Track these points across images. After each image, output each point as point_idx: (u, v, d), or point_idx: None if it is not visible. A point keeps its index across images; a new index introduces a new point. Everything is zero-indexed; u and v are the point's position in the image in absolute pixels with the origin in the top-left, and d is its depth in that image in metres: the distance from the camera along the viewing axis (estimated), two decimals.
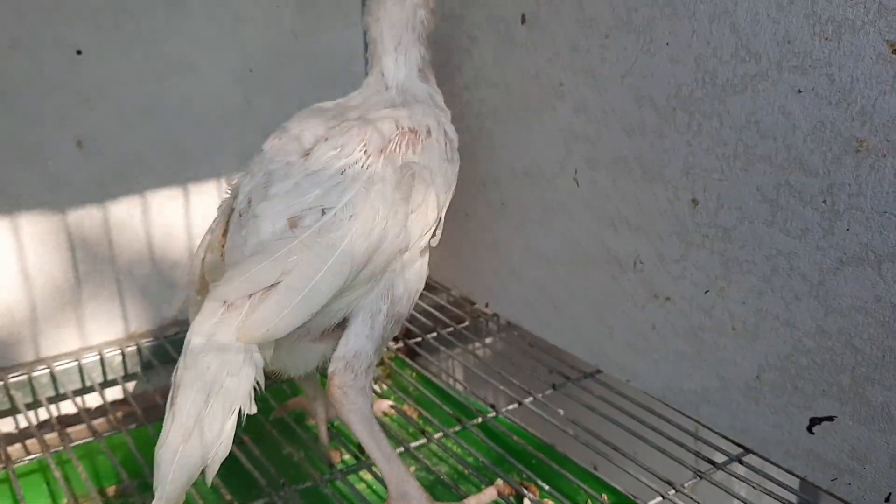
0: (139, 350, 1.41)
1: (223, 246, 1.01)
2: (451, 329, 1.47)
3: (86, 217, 1.35)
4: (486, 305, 1.51)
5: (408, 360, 1.42)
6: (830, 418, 0.95)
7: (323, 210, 0.93)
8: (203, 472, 0.82)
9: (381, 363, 1.44)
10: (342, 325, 1.01)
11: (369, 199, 0.96)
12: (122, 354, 1.40)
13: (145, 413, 1.26)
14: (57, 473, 1.10)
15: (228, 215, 1.04)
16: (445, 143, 1.11)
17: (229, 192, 1.10)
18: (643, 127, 1.10)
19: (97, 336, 1.41)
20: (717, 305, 1.06)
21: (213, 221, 1.08)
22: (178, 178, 1.42)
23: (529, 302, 1.39)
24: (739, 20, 0.95)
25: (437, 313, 1.50)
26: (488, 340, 1.41)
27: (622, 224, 1.17)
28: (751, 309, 1.01)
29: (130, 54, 1.33)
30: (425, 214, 1.03)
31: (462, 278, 1.55)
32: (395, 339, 1.47)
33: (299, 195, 0.96)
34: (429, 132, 1.08)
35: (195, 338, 0.87)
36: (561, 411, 1.18)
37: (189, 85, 1.40)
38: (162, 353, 1.42)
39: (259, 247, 0.93)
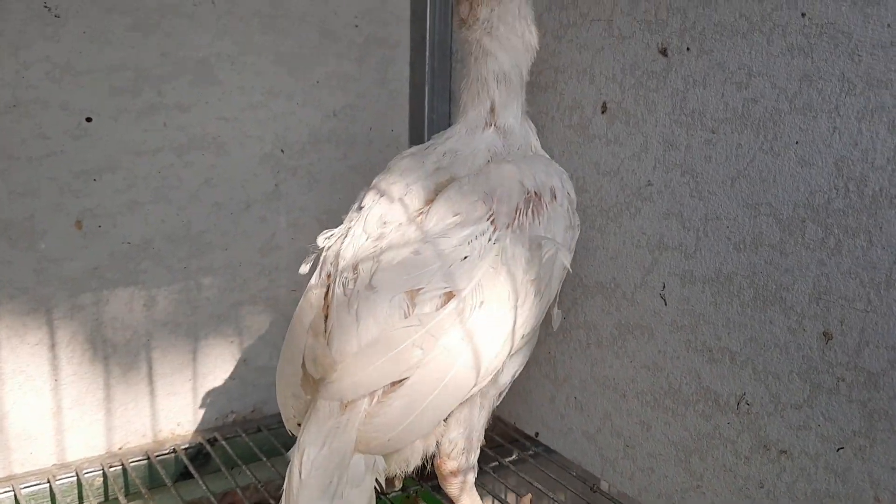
0: (125, 471, 1.18)
1: (326, 324, 0.87)
2: (495, 463, 1.24)
3: (77, 310, 1.14)
4: (537, 435, 1.28)
5: (438, 496, 1.18)
6: None
7: (448, 292, 0.83)
8: None
9: (409, 499, 1.20)
10: None
11: (499, 281, 0.85)
12: (104, 476, 1.17)
13: None
14: None
15: (327, 286, 0.90)
16: (568, 207, 0.97)
17: (316, 249, 0.97)
18: (758, 239, 0.91)
19: (76, 452, 1.18)
20: (855, 468, 0.84)
21: (309, 293, 0.91)
22: (189, 268, 1.23)
23: (592, 437, 1.17)
24: None
25: None
26: (540, 483, 1.18)
27: (723, 354, 0.96)
28: None
29: (147, 124, 1.15)
30: (548, 296, 0.92)
31: (509, 400, 1.32)
32: (425, 475, 1.24)
33: (419, 267, 0.84)
34: (553, 195, 0.94)
35: (311, 448, 0.79)
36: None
37: (211, 162, 1.22)
38: (153, 476, 1.19)
39: (376, 330, 0.81)
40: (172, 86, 1.16)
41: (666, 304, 1.03)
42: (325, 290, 0.91)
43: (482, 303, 0.83)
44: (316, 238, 1.32)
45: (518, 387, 1.30)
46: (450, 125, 1.39)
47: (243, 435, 1.27)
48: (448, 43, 1.39)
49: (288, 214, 1.30)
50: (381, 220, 0.93)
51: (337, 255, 0.93)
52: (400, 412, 0.78)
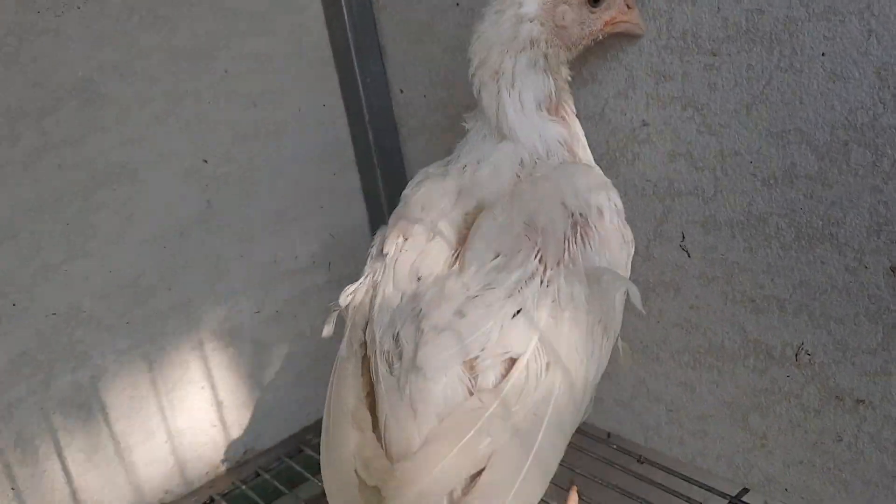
0: None
1: (373, 418, 0.73)
2: None
3: (12, 406, 0.97)
4: None
5: None
6: None
7: (509, 357, 0.69)
8: None
9: None
10: None
11: (563, 333, 0.70)
12: None
13: None
14: None
15: (361, 356, 0.77)
16: (618, 223, 0.80)
17: (338, 307, 0.82)
18: (791, 172, 0.78)
19: None
20: None
21: (344, 370, 0.78)
22: (132, 322, 1.05)
23: (626, 404, 1.06)
24: None
25: None
26: (582, 465, 1.07)
27: (769, 303, 0.85)
28: None
29: (38, 172, 0.95)
30: (616, 329, 0.78)
31: None
32: None
33: (469, 329, 0.69)
34: (600, 213, 0.77)
35: None
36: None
37: (126, 196, 1.02)
38: None
39: (435, 420, 0.68)
40: (56, 119, 0.95)
41: (689, 256, 0.91)
42: (360, 361, 0.78)
43: (548, 365, 0.69)
44: (268, 250, 1.17)
45: None
46: (387, 84, 1.23)
47: (242, 486, 1.13)
48: None
49: (231, 231, 1.12)
50: (414, 273, 0.78)
51: (368, 320, 0.78)
52: None
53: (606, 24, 0.84)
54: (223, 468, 1.17)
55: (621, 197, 0.84)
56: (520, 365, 0.68)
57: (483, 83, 0.83)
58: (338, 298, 0.84)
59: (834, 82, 0.73)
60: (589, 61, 0.93)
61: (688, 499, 0.97)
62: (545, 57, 0.82)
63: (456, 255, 0.78)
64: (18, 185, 0.94)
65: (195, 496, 1.13)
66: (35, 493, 1.00)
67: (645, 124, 0.90)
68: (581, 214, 0.76)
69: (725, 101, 0.81)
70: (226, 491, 1.12)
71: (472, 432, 0.66)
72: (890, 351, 0.77)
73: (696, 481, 0.99)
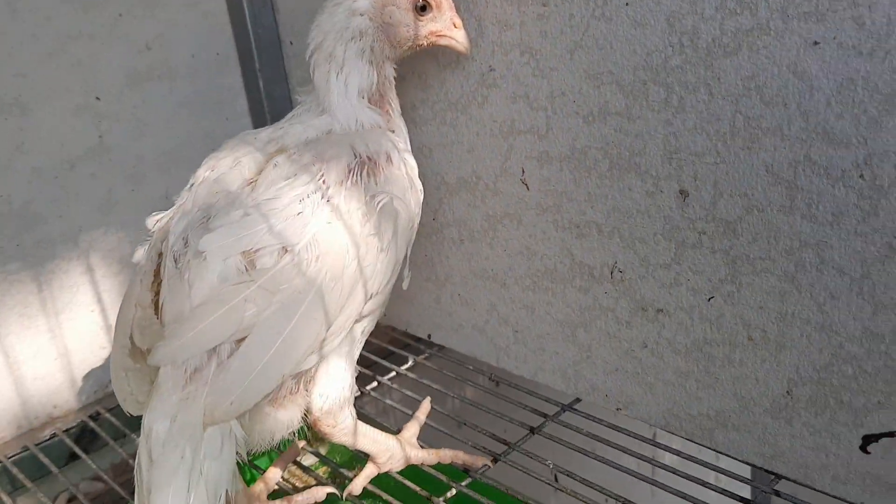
0: (4, 468, 1.10)
1: (156, 299, 0.83)
2: (392, 374, 1.23)
3: None
4: (429, 337, 1.28)
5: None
6: (892, 433, 0.79)
7: (284, 248, 0.78)
8: None
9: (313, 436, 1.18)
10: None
11: (336, 235, 0.81)
12: None
13: None
14: None
15: (157, 263, 0.85)
16: (406, 171, 0.92)
17: (150, 236, 0.91)
18: (605, 109, 0.90)
19: None
20: (727, 314, 0.87)
21: (138, 272, 0.88)
22: (23, 244, 1.12)
23: (481, 328, 1.17)
24: None
25: (373, 356, 1.26)
26: (437, 381, 1.19)
27: (589, 228, 0.97)
28: (771, 314, 0.84)
29: None
30: (395, 252, 0.89)
31: (396, 307, 1.31)
32: None
33: (248, 227, 0.80)
34: (388, 159, 0.90)
35: (158, 423, 0.74)
36: (550, 463, 0.98)
37: (17, 125, 1.09)
38: (38, 466, 1.11)
39: (208, 292, 0.77)
40: None
41: (528, 189, 1.02)
42: (154, 266, 0.86)
43: (318, 256, 0.79)
44: (159, 186, 1.24)
45: (403, 292, 1.28)
46: (278, 37, 1.32)
47: None
48: None
49: (122, 166, 1.20)
50: (211, 192, 0.87)
51: (167, 232, 0.87)
52: (238, 372, 0.74)
53: (431, 33, 0.97)
54: (111, 388, 1.24)
55: (474, 136, 0.97)
56: (292, 252, 0.78)
57: (317, 65, 0.95)
58: None
59: (636, 29, 0.85)
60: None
61: (533, 409, 1.09)
62: (371, 49, 0.95)
63: (251, 181, 0.87)
64: None
65: (84, 411, 1.20)
66: None
67: (492, 69, 1.01)
68: (369, 158, 0.88)
69: (554, 47, 0.93)
70: (112, 406, 1.20)
71: (238, 299, 0.75)
72: (680, 264, 0.89)
73: (537, 394, 1.11)
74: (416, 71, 1.09)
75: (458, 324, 1.21)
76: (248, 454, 0.84)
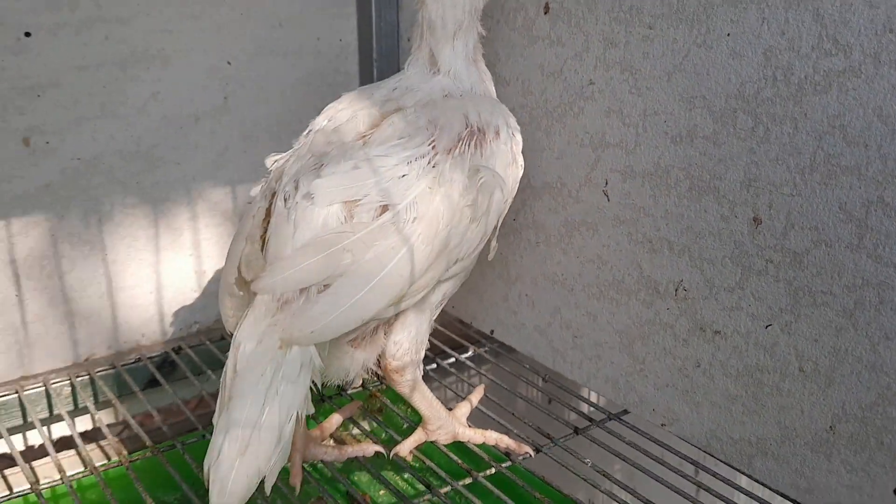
0: (92, 381, 1.22)
1: (264, 235, 0.91)
2: (451, 359, 1.29)
3: (32, 227, 1.15)
4: (492, 332, 1.33)
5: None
6: None
7: (384, 206, 0.85)
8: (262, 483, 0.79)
9: (371, 396, 1.25)
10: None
11: (434, 201, 0.88)
12: (72, 385, 1.20)
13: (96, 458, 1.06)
14: None
15: (270, 200, 0.93)
16: (512, 147, 0.99)
17: (267, 175, 0.99)
18: (693, 132, 0.95)
19: (43, 364, 1.21)
20: (781, 342, 0.90)
21: (253, 207, 0.96)
22: (143, 183, 1.23)
23: (543, 330, 1.22)
24: (825, 6, 0.80)
25: (434, 340, 1.33)
26: (493, 373, 1.24)
27: (661, 244, 1.01)
28: (825, 348, 0.86)
29: (89, 38, 1.14)
30: (485, 224, 0.95)
31: (464, 301, 1.38)
32: None
33: (357, 180, 0.87)
34: (497, 133, 0.96)
35: (247, 342, 0.82)
36: (588, 461, 1.01)
37: (157, 75, 1.21)
38: (120, 385, 1.22)
39: (310, 235, 0.85)
40: None
41: (609, 200, 1.07)
42: (267, 204, 0.94)
43: (415, 218, 0.85)
44: (268, 151, 1.34)
45: (473, 287, 1.34)
46: (398, 33, 1.41)
47: (208, 343, 1.31)
48: None
49: (240, 127, 1.31)
50: (327, 141, 0.95)
51: (281, 173, 0.95)
52: (323, 309, 0.81)
53: None
54: (194, 328, 1.35)
55: (565, 144, 1.04)
56: (392, 210, 0.85)
57: (446, 38, 1.01)
58: None
59: (733, 59, 0.89)
60: (557, 25, 1.10)
61: (580, 413, 1.13)
62: (480, 11, 1.03)
63: (364, 135, 0.94)
64: (69, 45, 1.13)
65: (168, 344, 1.30)
66: (36, 304, 1.18)
67: (591, 83, 1.07)
68: (479, 129, 0.94)
69: (654, 68, 0.98)
70: (194, 345, 1.30)
71: (337, 247, 0.82)
72: (744, 289, 0.93)
73: (587, 399, 1.15)
74: (520, 77, 1.16)
75: (520, 323, 1.26)
76: (322, 386, 0.92)
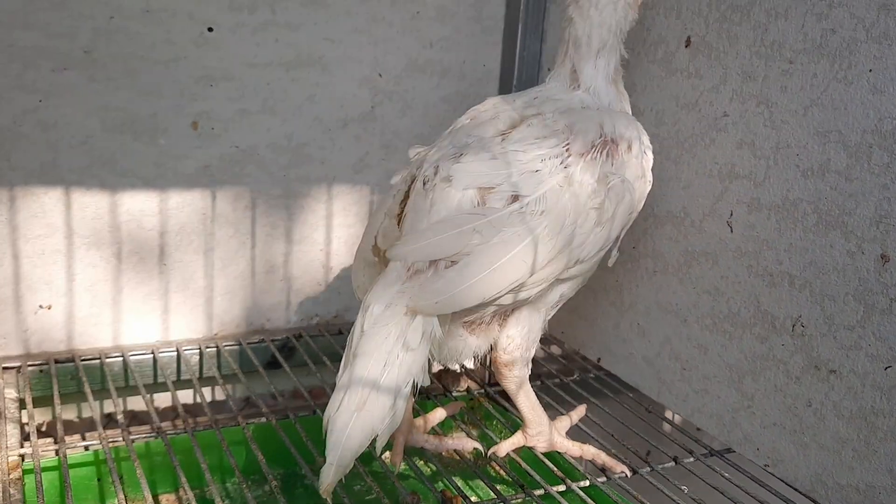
0: (219, 353, 1.31)
1: (401, 213, 0.97)
2: (557, 380, 1.31)
3: (187, 203, 1.27)
4: (599, 361, 1.34)
5: (505, 403, 1.26)
6: None
7: (515, 195, 0.89)
8: (373, 442, 0.82)
9: (474, 400, 1.29)
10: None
11: (563, 199, 0.92)
12: (200, 354, 1.30)
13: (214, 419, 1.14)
14: (112, 467, 0.99)
15: (410, 183, 0.99)
16: (643, 162, 1.02)
17: (412, 161, 1.05)
18: (825, 166, 0.94)
19: (178, 331, 1.32)
20: None
21: (393, 189, 1.02)
22: (289, 176, 1.34)
23: (651, 361, 1.22)
24: None
25: (541, 361, 1.35)
26: (598, 399, 1.24)
27: (782, 278, 1.00)
28: None
29: (262, 39, 1.26)
30: (609, 230, 0.97)
31: (573, 327, 1.39)
32: (492, 384, 1.32)
33: (494, 168, 0.92)
34: (629, 147, 1.00)
35: (376, 305, 0.86)
36: (685, 488, 1.00)
37: (315, 80, 1.32)
38: (244, 361, 1.31)
39: (445, 214, 0.90)
40: (285, 5, 1.27)
41: (732, 231, 1.07)
42: (406, 186, 1.00)
43: (543, 212, 0.89)
44: (405, 162, 1.42)
45: (583, 314, 1.36)
46: (539, 64, 1.47)
47: (326, 335, 1.38)
48: None
49: (381, 136, 1.40)
50: (468, 135, 1.01)
51: (423, 161, 1.01)
52: (450, 282, 0.85)
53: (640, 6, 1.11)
54: (315, 320, 1.43)
55: (693, 174, 1.07)
56: (522, 201, 0.89)
57: (589, 55, 1.06)
58: None
59: (874, 94, 0.89)
60: (696, 58, 1.12)
61: (682, 446, 1.12)
62: (625, 36, 1.08)
63: (503, 133, 0.98)
64: (244, 44, 1.25)
65: (290, 331, 1.39)
66: (179, 276, 1.29)
67: (725, 115, 1.08)
68: (612, 140, 0.97)
69: (790, 102, 0.99)
70: (314, 335, 1.38)
71: (468, 226, 0.87)
72: (864, 328, 0.90)
73: (689, 434, 1.14)
74: (654, 108, 1.19)
75: (629, 352, 1.27)
76: (435, 363, 0.97)
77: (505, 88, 1.48)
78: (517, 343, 0.99)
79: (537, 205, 0.89)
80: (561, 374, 1.32)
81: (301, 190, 1.35)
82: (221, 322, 1.35)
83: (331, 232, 1.40)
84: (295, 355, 1.35)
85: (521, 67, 1.46)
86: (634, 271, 1.25)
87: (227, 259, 1.32)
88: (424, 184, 0.94)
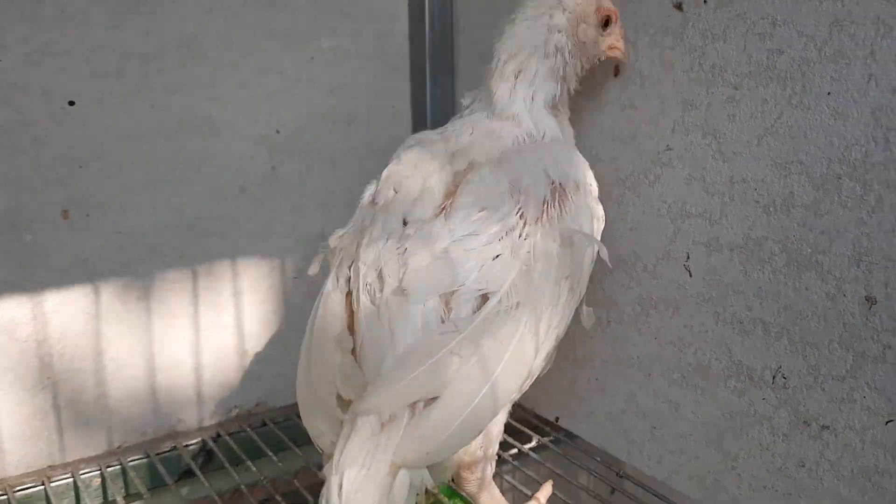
0: (124, 471, 1.12)
1: (350, 334, 0.81)
2: (513, 451, 1.18)
3: (67, 304, 1.09)
4: (557, 420, 1.22)
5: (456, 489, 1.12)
6: None
7: (483, 294, 0.77)
8: None
9: (427, 492, 1.14)
10: None
11: (534, 281, 0.79)
12: (102, 476, 1.11)
13: None
14: None
15: (347, 291, 0.83)
16: (590, 201, 0.90)
17: (325, 249, 0.90)
18: (789, 201, 0.85)
19: (74, 451, 1.13)
20: None
21: (326, 299, 0.85)
22: (185, 257, 1.16)
23: (616, 418, 1.11)
24: None
25: None
26: (562, 469, 1.12)
27: (755, 325, 0.90)
28: None
29: (134, 107, 1.09)
30: (580, 292, 0.87)
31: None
32: None
33: (451, 268, 0.78)
34: (577, 186, 0.88)
35: (350, 470, 0.71)
36: None
37: (202, 145, 1.15)
38: (153, 475, 1.13)
39: (412, 340, 0.75)
40: (158, 66, 1.10)
41: (691, 276, 0.97)
42: (345, 296, 0.85)
43: (518, 304, 0.77)
44: (316, 224, 1.28)
45: None
46: (453, 100, 1.34)
47: (248, 430, 1.21)
48: (449, 14, 1.32)
49: (287, 198, 1.24)
50: (401, 219, 0.86)
51: (355, 259, 0.86)
52: (439, 423, 0.72)
53: (608, 48, 0.97)
54: (234, 413, 1.26)
55: (640, 215, 0.96)
56: (493, 300, 0.76)
57: (503, 77, 0.94)
58: None
59: (835, 120, 0.80)
60: (628, 89, 1.02)
61: None
62: (564, 66, 0.94)
63: (443, 207, 0.85)
64: (113, 115, 1.08)
65: (205, 431, 1.21)
66: (68, 387, 1.11)
67: (669, 149, 0.98)
68: (560, 184, 0.85)
69: (741, 132, 0.89)
70: (233, 431, 1.21)
71: (443, 351, 0.73)
72: (857, 378, 0.81)
73: (668, 499, 1.02)
74: (587, 145, 1.08)
75: (589, 410, 1.15)
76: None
77: (419, 129, 1.34)
78: (480, 441, 0.85)
79: (510, 297, 0.76)
80: (518, 441, 1.19)
81: (201, 270, 1.18)
82: (124, 432, 1.17)
83: (241, 312, 1.23)
84: (213, 459, 1.18)
85: (433, 105, 1.33)
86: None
87: (121, 360, 1.14)
88: (371, 297, 0.79)
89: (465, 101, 1.00)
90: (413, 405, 0.74)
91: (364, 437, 0.73)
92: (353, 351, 0.80)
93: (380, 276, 0.80)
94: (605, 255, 0.85)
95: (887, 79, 0.75)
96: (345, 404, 0.78)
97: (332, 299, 0.85)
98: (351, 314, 0.83)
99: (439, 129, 0.99)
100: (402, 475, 0.72)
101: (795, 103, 0.83)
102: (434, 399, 0.73)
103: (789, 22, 0.83)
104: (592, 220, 0.89)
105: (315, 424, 0.83)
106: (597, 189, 0.93)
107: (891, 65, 0.75)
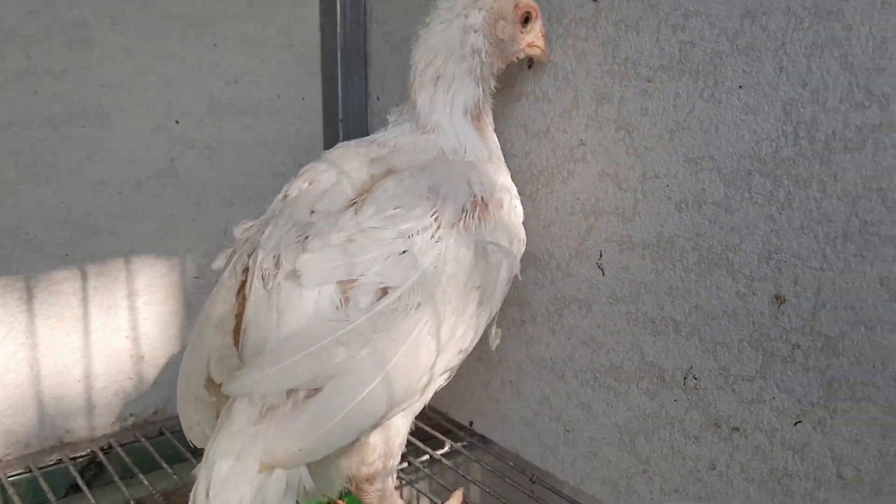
0: (2, 487, 1.04)
1: (238, 324, 0.75)
2: (425, 457, 1.13)
3: None
4: (471, 424, 1.18)
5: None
6: None
7: (383, 288, 0.71)
8: None
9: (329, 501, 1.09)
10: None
11: (441, 284, 0.74)
12: None
13: None
14: None
15: (242, 279, 0.78)
16: (514, 220, 0.86)
17: (239, 241, 0.83)
18: (700, 197, 0.83)
19: None
20: (815, 443, 0.76)
21: (219, 288, 0.80)
22: (72, 255, 1.08)
23: (530, 422, 1.07)
24: (854, 51, 0.69)
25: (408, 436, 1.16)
26: (474, 475, 1.08)
27: (666, 325, 0.88)
28: (869, 451, 0.72)
29: (15, 93, 1.01)
30: (491, 307, 0.82)
31: (440, 389, 1.22)
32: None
33: (353, 255, 0.72)
34: (500, 204, 0.83)
35: (222, 460, 0.66)
36: None
37: (93, 135, 1.07)
38: (36, 492, 1.04)
39: (300, 325, 0.70)
40: (42, 47, 1.02)
41: (604, 274, 0.94)
42: (239, 283, 0.79)
43: (419, 304, 0.72)
44: (220, 220, 1.21)
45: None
46: (366, 93, 1.29)
47: (143, 440, 1.13)
48: (362, 2, 1.27)
49: (188, 193, 1.17)
50: (309, 209, 0.81)
51: (256, 246, 0.80)
52: (314, 419, 0.67)
53: (528, 45, 0.93)
54: (129, 421, 1.18)
55: (553, 212, 0.94)
56: (393, 295, 0.71)
57: (423, 85, 0.89)
58: None
59: (747, 114, 0.78)
60: (542, 80, 0.99)
61: None
62: (481, 67, 0.89)
63: (354, 201, 0.80)
64: None
65: (96, 442, 1.13)
66: None
67: (582, 143, 0.95)
68: (482, 199, 0.81)
69: (653, 126, 0.87)
70: (126, 442, 1.13)
71: (330, 338, 0.68)
72: (766, 378, 0.79)
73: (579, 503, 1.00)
74: (500, 139, 1.04)
75: (504, 414, 1.11)
76: None
77: (330, 122, 1.29)
78: (381, 451, 0.80)
79: (412, 296, 0.71)
80: (430, 447, 1.15)
81: (91, 269, 1.10)
82: (4, 445, 1.08)
83: (136, 314, 1.16)
84: (104, 473, 1.10)
85: (345, 98, 1.28)
86: (499, 321, 1.09)
87: (2, 366, 1.05)
88: (264, 281, 0.74)
89: (391, 118, 0.94)
90: (294, 393, 0.68)
91: (238, 428, 0.68)
92: (236, 334, 0.75)
93: (277, 262, 0.74)
94: (517, 268, 0.83)
95: (797, 72, 0.74)
96: (215, 389, 0.73)
97: (224, 286, 0.79)
98: (243, 301, 0.77)
99: (364, 139, 0.94)
100: (279, 474, 0.67)
101: (707, 97, 0.81)
102: (316, 391, 0.68)
103: (702, 13, 0.81)
104: (514, 241, 0.85)
105: (186, 414, 0.78)
106: (522, 212, 0.88)
107: (801, 58, 0.73)
